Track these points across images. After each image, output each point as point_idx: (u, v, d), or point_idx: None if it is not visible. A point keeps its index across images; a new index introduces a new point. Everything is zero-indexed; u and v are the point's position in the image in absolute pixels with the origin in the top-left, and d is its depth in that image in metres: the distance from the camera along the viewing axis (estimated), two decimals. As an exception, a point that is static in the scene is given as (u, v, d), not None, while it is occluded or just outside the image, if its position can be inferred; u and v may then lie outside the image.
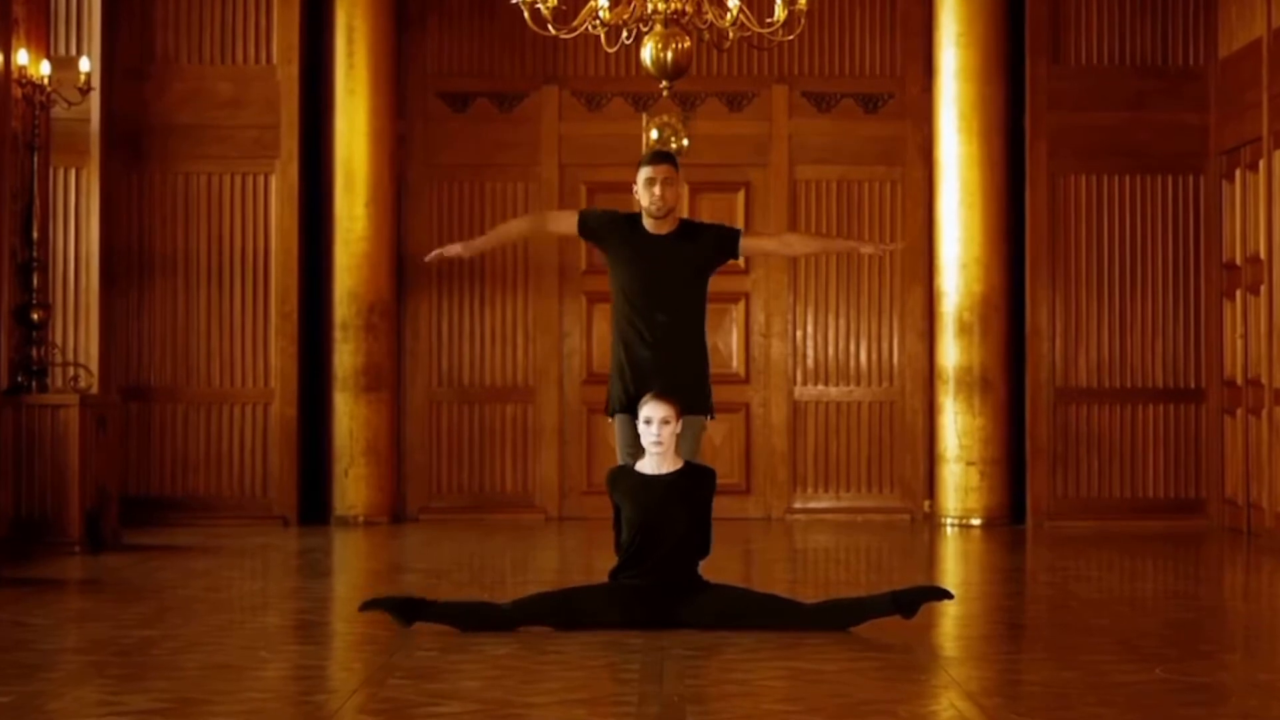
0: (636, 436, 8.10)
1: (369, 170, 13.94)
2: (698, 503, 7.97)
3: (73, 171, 13.50)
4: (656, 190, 8.32)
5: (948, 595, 8.05)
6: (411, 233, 14.38)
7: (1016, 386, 13.98)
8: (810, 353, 14.43)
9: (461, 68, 14.55)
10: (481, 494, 14.41)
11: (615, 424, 8.43)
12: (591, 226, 8.54)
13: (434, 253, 8.73)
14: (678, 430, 7.96)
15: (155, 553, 11.71)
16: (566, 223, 8.72)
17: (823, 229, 14.36)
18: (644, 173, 8.36)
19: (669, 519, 7.90)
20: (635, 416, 8.10)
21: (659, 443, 7.91)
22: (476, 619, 7.86)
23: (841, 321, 14.46)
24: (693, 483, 7.98)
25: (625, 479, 8.01)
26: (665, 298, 8.37)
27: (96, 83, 12.99)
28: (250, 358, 13.98)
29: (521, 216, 8.75)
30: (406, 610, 7.83)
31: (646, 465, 8.00)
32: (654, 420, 7.90)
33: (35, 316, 12.09)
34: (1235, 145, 13.46)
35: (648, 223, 8.40)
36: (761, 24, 9.68)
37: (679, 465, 8.00)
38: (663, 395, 7.93)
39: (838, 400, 14.41)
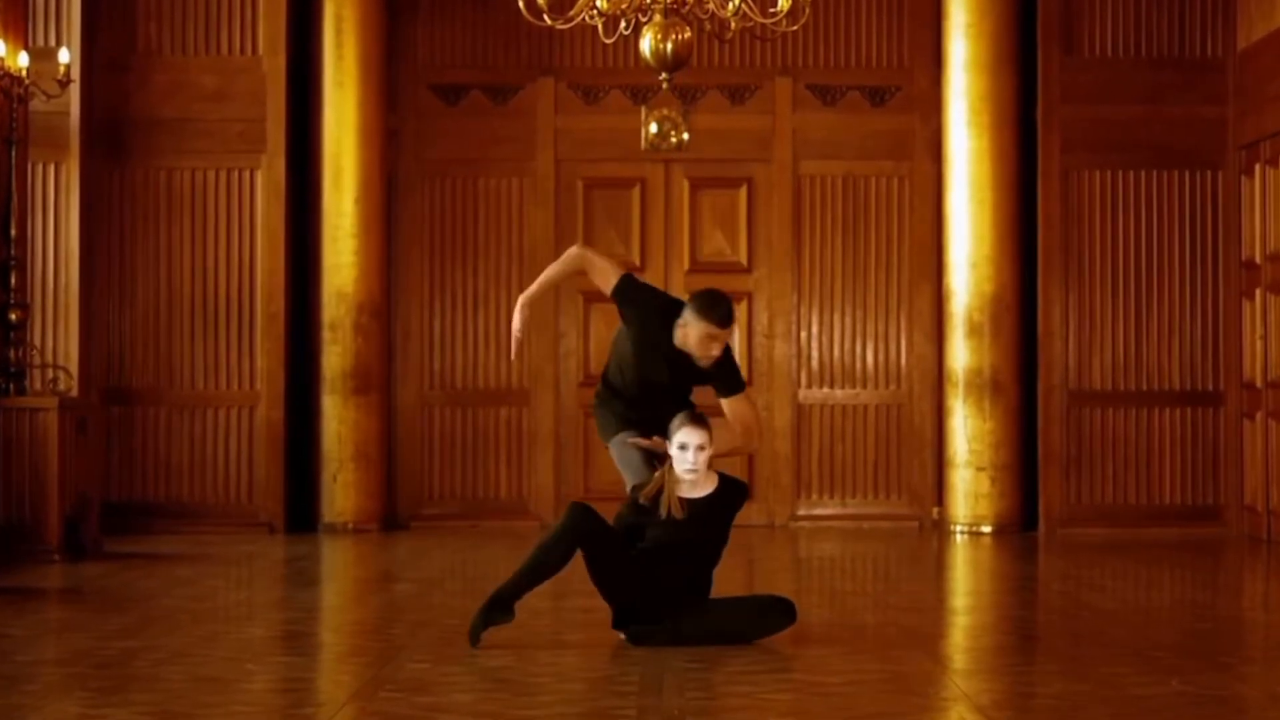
0: (646, 457, 8.12)
1: (358, 165, 13.95)
2: (724, 518, 7.98)
3: (52, 167, 13.51)
4: (713, 350, 8.13)
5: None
6: (402, 230, 14.40)
7: (1028, 389, 13.98)
8: (815, 354, 14.44)
9: (454, 59, 14.56)
10: (475, 500, 14.41)
11: (616, 448, 8.35)
12: (628, 295, 8.28)
13: (515, 339, 8.44)
14: (711, 454, 7.95)
15: (137, 561, 11.72)
16: (604, 278, 8.35)
17: (828, 225, 14.43)
18: (704, 327, 8.08)
19: (696, 539, 7.90)
20: (637, 434, 8.14)
21: (694, 469, 7.91)
22: (545, 568, 7.82)
23: (847, 322, 14.47)
24: (725, 500, 7.99)
25: (656, 510, 7.97)
26: (659, 381, 8.28)
27: (76, 75, 13.00)
28: (235, 359, 13.98)
29: (565, 256, 8.42)
30: (498, 608, 7.81)
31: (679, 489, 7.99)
32: (690, 446, 7.89)
33: (13, 317, 12.10)
34: (1255, 139, 13.47)
35: (678, 338, 8.23)
36: (764, 14, 9.69)
37: (713, 485, 8.00)
38: (696, 420, 7.93)
39: (843, 403, 14.41)
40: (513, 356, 8.96)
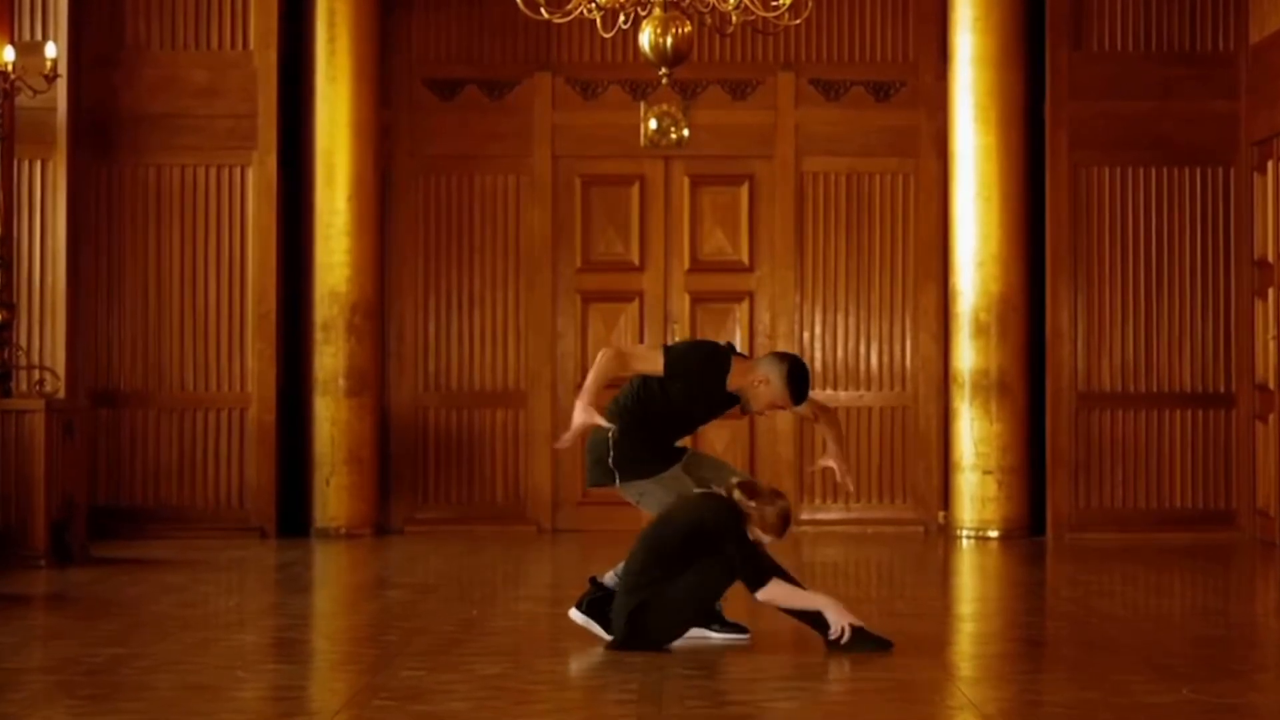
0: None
1: (351, 162, 13.94)
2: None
3: (38, 163, 13.51)
4: (769, 410, 8.50)
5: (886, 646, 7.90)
6: (396, 228, 14.40)
7: (1036, 391, 13.98)
8: (818, 355, 14.44)
9: (449, 54, 14.56)
10: (470, 505, 14.41)
11: (671, 476, 8.35)
12: (678, 369, 8.31)
13: (567, 437, 8.39)
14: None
15: (126, 566, 11.72)
16: (649, 364, 8.37)
17: (831, 224, 14.44)
18: (784, 398, 8.36)
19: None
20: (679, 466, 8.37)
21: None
22: None
23: (851, 322, 14.47)
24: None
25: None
26: (705, 418, 8.68)
27: (63, 70, 12.99)
28: (226, 360, 13.98)
29: (601, 360, 8.41)
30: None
31: None
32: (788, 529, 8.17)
33: (-2, 317, 12.10)
34: (1268, 136, 13.46)
35: (733, 381, 8.35)
36: (767, 7, 9.69)
37: None
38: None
39: (847, 405, 14.40)
40: (556, 445, 8.95)
